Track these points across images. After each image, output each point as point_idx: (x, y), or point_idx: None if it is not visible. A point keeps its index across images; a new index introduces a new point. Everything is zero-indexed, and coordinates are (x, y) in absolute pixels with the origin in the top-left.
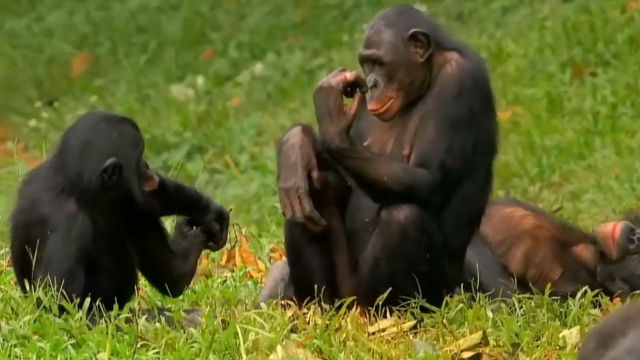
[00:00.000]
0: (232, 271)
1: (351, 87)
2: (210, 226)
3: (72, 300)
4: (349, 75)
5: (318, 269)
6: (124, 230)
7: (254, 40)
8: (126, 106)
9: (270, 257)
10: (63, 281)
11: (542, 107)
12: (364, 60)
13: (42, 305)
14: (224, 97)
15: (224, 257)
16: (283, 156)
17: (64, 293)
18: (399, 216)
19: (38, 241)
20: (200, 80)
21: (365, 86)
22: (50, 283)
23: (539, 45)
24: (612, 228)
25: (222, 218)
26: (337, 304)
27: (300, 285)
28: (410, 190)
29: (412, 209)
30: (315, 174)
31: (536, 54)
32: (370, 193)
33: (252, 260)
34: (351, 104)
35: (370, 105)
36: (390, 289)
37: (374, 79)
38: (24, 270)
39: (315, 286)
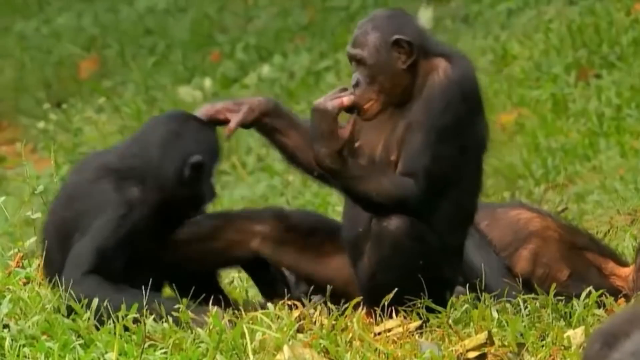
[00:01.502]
0: (239, 271)
1: (346, 111)
2: (273, 285)
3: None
4: (346, 100)
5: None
6: (170, 226)
7: (261, 42)
8: (134, 108)
9: None
10: (101, 258)
11: (547, 109)
12: (350, 59)
13: (51, 305)
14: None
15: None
16: None
17: (72, 294)
18: (389, 227)
19: (85, 213)
20: (207, 82)
21: (361, 109)
22: (88, 255)
23: (544, 47)
24: None
25: (282, 278)
26: (343, 305)
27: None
28: (400, 203)
29: (401, 218)
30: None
31: (541, 56)
32: (363, 207)
33: None
34: (345, 127)
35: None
36: (393, 292)
37: (357, 79)
38: (62, 246)
39: (328, 287)
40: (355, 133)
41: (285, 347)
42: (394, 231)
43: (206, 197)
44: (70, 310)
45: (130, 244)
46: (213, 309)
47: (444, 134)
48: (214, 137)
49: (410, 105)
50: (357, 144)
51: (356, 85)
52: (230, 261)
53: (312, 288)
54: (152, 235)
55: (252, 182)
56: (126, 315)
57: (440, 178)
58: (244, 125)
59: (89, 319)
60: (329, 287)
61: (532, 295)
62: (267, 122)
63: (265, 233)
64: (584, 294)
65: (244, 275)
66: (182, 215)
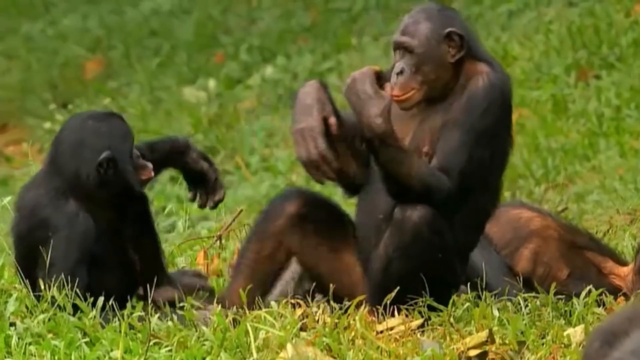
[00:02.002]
0: None
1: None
2: (199, 165)
3: (84, 298)
4: (372, 67)
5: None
6: (124, 228)
7: (265, 44)
8: (139, 108)
9: None
10: (64, 279)
11: (547, 109)
12: (397, 47)
13: (56, 304)
14: (235, 100)
15: (235, 257)
16: (298, 101)
17: (77, 292)
18: (413, 216)
19: (42, 245)
20: (211, 83)
21: (384, 77)
22: (52, 283)
23: (544, 48)
24: None
25: (206, 157)
26: (345, 303)
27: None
28: (430, 192)
29: (425, 210)
30: (332, 120)
31: (542, 57)
32: (394, 186)
33: None
34: (384, 89)
35: (393, 91)
36: (399, 288)
37: (401, 67)
38: (29, 275)
39: (331, 286)
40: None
41: (289, 345)
42: (416, 221)
43: (134, 183)
44: (75, 309)
45: (88, 252)
46: (217, 308)
47: (481, 136)
48: (115, 123)
49: (450, 103)
50: None
51: (400, 73)
52: (279, 271)
53: (314, 285)
54: (114, 233)
55: (255, 182)
56: (131, 314)
57: (471, 178)
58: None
59: (94, 317)
60: (331, 286)
61: (533, 294)
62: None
63: (291, 212)
64: (583, 293)
65: None
66: (127, 206)
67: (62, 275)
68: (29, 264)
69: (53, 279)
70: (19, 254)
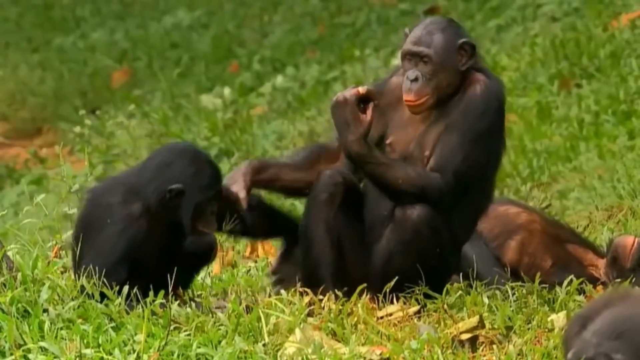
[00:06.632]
0: (256, 262)
1: (363, 101)
2: None
3: (111, 289)
4: (361, 89)
5: (329, 256)
6: (177, 248)
7: (276, 55)
8: (161, 114)
9: None
10: (105, 271)
11: (532, 115)
12: (411, 55)
13: (85, 292)
14: (249, 106)
15: (248, 249)
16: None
17: (105, 281)
18: (412, 215)
19: (96, 225)
20: (227, 90)
21: (377, 98)
22: (93, 270)
23: (530, 59)
24: (631, 241)
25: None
26: (349, 291)
27: (310, 271)
28: (423, 192)
29: (424, 209)
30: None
31: (527, 68)
32: (387, 194)
33: (273, 252)
34: (366, 113)
35: (408, 96)
36: (399, 278)
37: (416, 74)
38: (80, 253)
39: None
40: (375, 119)
41: (297, 330)
42: (415, 219)
43: (186, 225)
44: (102, 296)
45: (132, 253)
46: (232, 296)
47: (477, 138)
48: (207, 172)
49: (450, 109)
50: (388, 141)
51: (415, 80)
52: None
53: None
54: (158, 248)
55: None
56: (154, 301)
57: (465, 177)
58: (249, 189)
59: (120, 304)
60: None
61: (519, 283)
62: (262, 178)
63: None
64: (565, 282)
65: (259, 265)
66: (176, 238)
67: (104, 266)
68: (82, 242)
69: (97, 267)
70: (77, 233)
